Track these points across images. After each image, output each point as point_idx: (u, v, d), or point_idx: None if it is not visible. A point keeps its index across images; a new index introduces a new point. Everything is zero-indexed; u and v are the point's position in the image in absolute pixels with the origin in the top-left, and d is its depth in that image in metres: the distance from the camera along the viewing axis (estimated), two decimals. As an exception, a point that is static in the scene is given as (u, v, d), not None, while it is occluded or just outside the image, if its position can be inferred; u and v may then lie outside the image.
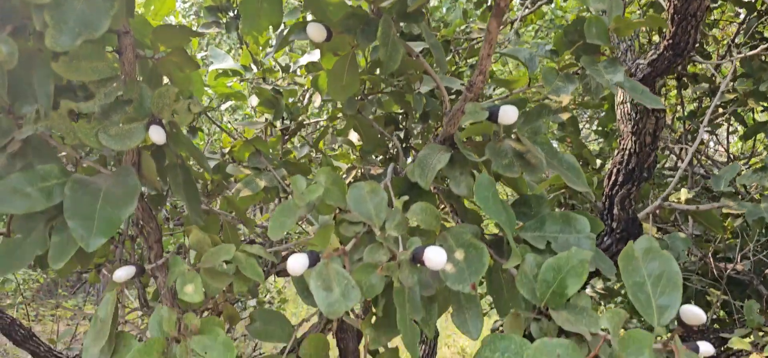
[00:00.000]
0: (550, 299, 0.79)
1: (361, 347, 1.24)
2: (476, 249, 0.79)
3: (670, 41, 1.36)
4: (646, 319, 0.78)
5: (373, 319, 0.92)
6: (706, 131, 2.19)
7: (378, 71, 1.20)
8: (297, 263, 0.72)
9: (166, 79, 1.07)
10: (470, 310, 0.85)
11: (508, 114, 0.78)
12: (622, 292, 2.42)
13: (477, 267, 0.77)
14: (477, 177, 0.78)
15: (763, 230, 1.93)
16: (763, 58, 1.84)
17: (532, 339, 0.75)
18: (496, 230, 1.07)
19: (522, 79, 1.11)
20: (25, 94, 0.91)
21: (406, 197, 0.81)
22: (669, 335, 0.74)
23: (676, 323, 0.84)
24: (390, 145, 1.66)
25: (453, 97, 1.37)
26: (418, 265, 0.77)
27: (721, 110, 2.04)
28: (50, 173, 0.89)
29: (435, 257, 0.71)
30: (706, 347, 0.84)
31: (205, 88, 1.85)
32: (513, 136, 0.90)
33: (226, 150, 1.40)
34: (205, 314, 1.13)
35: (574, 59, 0.87)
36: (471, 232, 0.83)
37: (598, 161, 2.12)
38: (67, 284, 4.75)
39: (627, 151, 1.45)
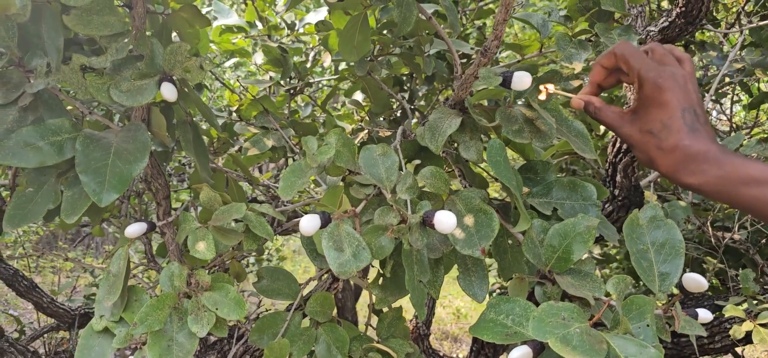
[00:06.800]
0: (556, 263, 0.80)
1: (366, 307, 1.27)
2: (486, 214, 0.80)
3: (682, 9, 1.35)
4: (648, 285, 0.80)
5: (380, 280, 0.94)
6: (712, 100, 2.18)
7: (387, 32, 1.19)
8: (309, 223, 0.73)
9: (175, 35, 1.06)
10: (476, 273, 0.86)
11: (523, 80, 0.78)
12: (619, 258, 2.46)
13: (487, 232, 0.78)
14: (489, 141, 0.78)
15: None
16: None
17: (535, 303, 0.77)
18: (499, 195, 1.08)
19: (533, 44, 1.10)
20: (34, 47, 0.91)
21: (417, 162, 0.81)
22: (670, 300, 0.76)
23: (676, 289, 0.85)
24: (395, 107, 1.65)
25: (464, 61, 1.36)
26: (428, 228, 0.78)
27: (727, 79, 2.03)
28: (61, 128, 0.89)
29: (446, 220, 0.72)
30: (704, 313, 0.86)
31: (210, 44, 1.83)
32: (523, 101, 0.90)
33: (234, 108, 1.40)
34: (213, 270, 1.15)
35: (588, 26, 0.86)
36: (480, 196, 0.84)
37: (602, 128, 2.12)
38: (67, 236, 4.78)
39: (632, 119, 1.45)
